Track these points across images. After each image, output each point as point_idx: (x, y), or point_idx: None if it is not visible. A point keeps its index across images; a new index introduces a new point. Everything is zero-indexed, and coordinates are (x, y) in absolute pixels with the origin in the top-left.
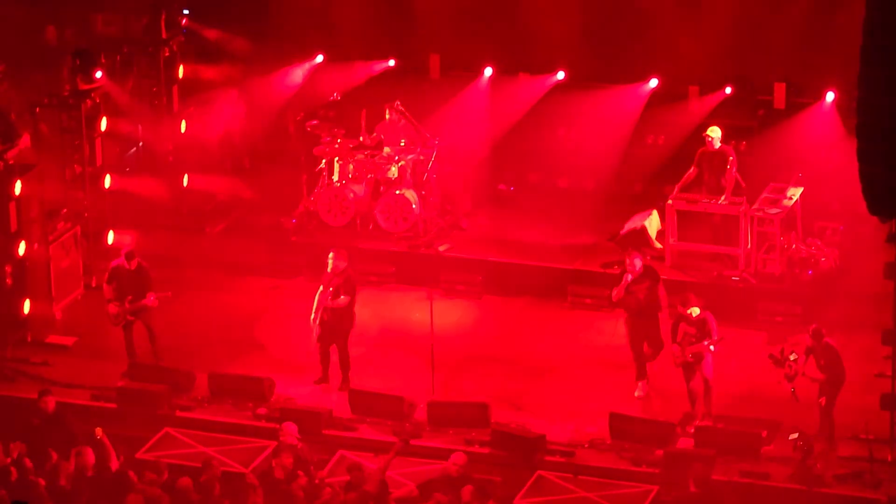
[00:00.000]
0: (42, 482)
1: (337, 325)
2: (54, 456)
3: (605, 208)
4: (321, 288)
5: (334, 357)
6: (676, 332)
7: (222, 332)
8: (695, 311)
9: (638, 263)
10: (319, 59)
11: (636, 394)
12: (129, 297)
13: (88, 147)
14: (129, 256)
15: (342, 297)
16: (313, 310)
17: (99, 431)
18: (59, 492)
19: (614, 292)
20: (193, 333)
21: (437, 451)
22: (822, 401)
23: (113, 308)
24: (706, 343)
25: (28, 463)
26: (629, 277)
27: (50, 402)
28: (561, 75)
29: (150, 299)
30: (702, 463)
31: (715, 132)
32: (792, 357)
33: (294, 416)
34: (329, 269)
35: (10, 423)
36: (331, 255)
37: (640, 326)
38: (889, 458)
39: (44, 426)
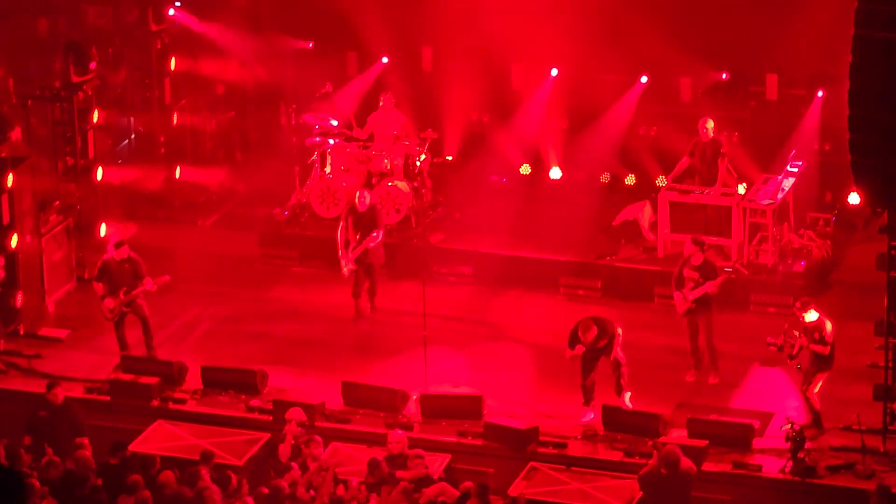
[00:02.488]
0: (35, 481)
1: (372, 260)
2: (49, 451)
3: (598, 199)
4: (342, 224)
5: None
6: (680, 279)
7: (215, 323)
8: (699, 256)
9: (592, 333)
10: (310, 46)
11: (581, 419)
12: (124, 289)
13: (80, 139)
14: (118, 245)
15: (375, 233)
16: (340, 246)
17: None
18: (52, 485)
19: (568, 355)
20: (186, 325)
21: (431, 442)
22: (804, 386)
23: (109, 303)
24: (709, 284)
25: (25, 457)
26: (582, 348)
27: (59, 395)
28: (554, 72)
29: (149, 284)
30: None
31: (708, 123)
32: (796, 334)
33: (287, 409)
34: (358, 207)
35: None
36: (357, 194)
37: (593, 365)
38: (881, 449)
39: (51, 418)
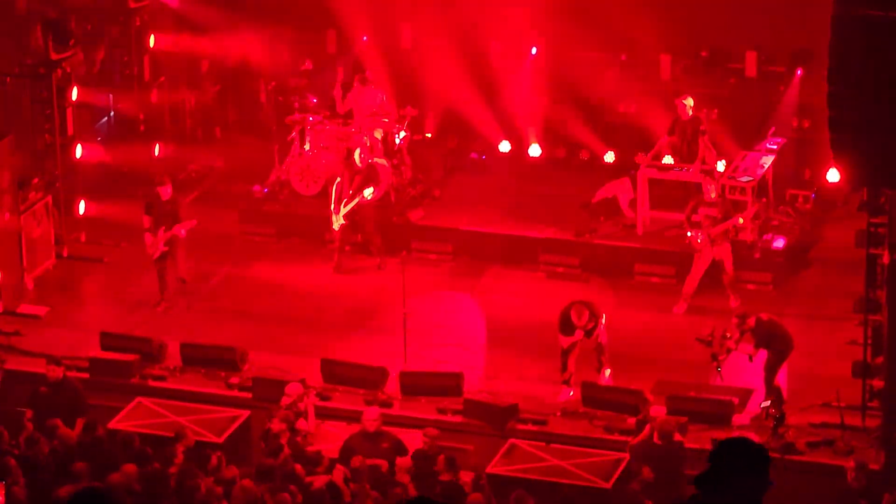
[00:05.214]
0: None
1: (363, 217)
2: (29, 427)
3: (577, 176)
4: (338, 180)
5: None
6: (693, 216)
7: (194, 300)
8: (712, 192)
9: (585, 317)
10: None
11: (560, 397)
12: (163, 227)
13: (59, 117)
14: (163, 183)
15: (369, 188)
16: (333, 202)
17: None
18: (32, 463)
19: (566, 343)
20: (165, 302)
21: (410, 420)
22: (764, 372)
23: (148, 238)
24: (736, 217)
25: (6, 434)
26: (581, 333)
27: (58, 371)
28: (534, 50)
29: (179, 230)
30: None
31: (688, 101)
32: (726, 336)
33: (266, 386)
34: (356, 164)
35: None
36: (357, 151)
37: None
38: (861, 426)
39: (52, 394)
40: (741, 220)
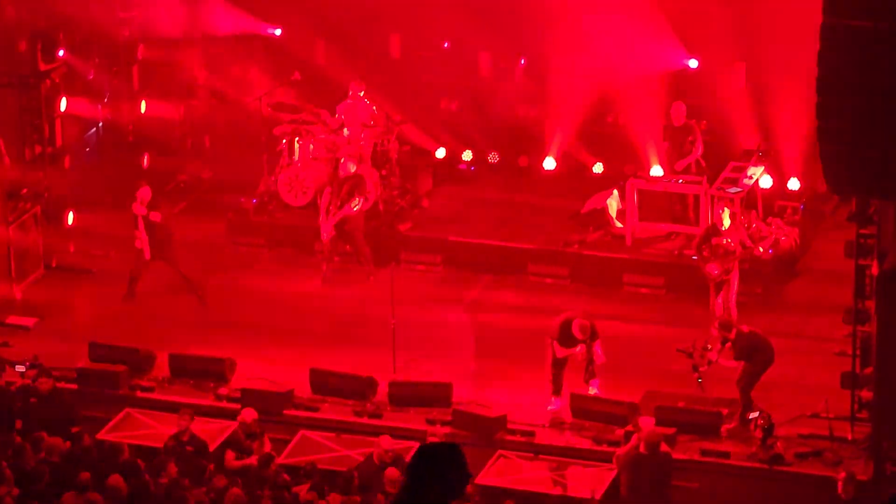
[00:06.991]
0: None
1: (351, 227)
2: (17, 438)
3: (566, 187)
4: (328, 190)
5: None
6: (703, 247)
7: (182, 312)
8: (726, 220)
9: (588, 332)
10: (278, 32)
11: (549, 408)
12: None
13: (48, 127)
14: (151, 206)
15: (357, 200)
16: (321, 213)
17: None
18: (21, 473)
19: (561, 354)
20: (153, 314)
21: (399, 430)
22: (741, 382)
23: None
24: (756, 246)
25: None
26: (584, 347)
27: (45, 383)
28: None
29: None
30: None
31: (680, 108)
32: (707, 347)
33: (255, 397)
34: (340, 174)
35: None
36: (342, 159)
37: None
38: (849, 437)
39: (40, 406)
40: (761, 250)
